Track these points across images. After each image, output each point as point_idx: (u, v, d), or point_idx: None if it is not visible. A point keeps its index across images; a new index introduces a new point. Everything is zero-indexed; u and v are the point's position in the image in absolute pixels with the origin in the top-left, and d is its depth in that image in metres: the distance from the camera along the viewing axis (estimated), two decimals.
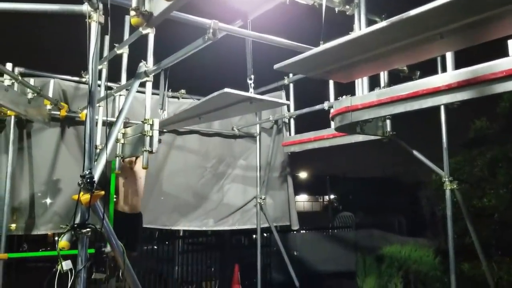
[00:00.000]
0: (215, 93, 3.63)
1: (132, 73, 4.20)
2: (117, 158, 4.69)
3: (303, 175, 35.33)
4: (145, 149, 4.02)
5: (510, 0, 2.01)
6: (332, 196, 34.61)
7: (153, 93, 4.54)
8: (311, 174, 36.11)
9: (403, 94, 3.31)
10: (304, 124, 6.29)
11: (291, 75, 6.04)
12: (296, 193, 7.39)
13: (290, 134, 6.34)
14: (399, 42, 2.54)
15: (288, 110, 6.30)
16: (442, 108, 4.71)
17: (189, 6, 3.08)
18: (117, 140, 4.66)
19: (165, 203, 6.38)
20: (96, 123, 4.78)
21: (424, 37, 2.45)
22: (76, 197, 2.52)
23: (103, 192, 2.57)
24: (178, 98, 6.36)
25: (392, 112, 3.41)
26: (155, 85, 5.28)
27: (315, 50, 2.70)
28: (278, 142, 6.71)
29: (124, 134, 4.68)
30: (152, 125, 4.05)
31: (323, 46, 2.65)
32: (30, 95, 4.70)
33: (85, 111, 5.36)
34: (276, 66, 2.95)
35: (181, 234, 9.12)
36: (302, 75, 5.87)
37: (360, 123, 3.93)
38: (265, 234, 9.81)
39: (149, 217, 6.29)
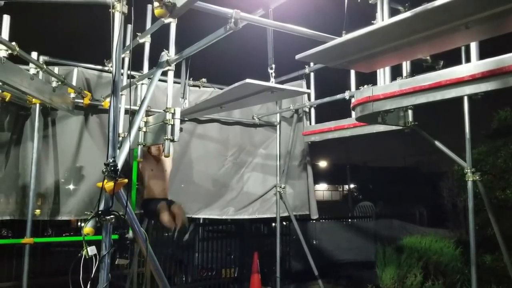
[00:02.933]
0: (237, 84, 3.63)
1: (154, 62, 4.25)
2: (139, 146, 4.77)
3: (323, 163, 35.17)
4: (166, 137, 4.07)
5: None
6: (352, 186, 34.41)
7: (174, 82, 4.59)
8: (331, 162, 35.90)
9: (426, 85, 3.27)
10: (325, 113, 6.26)
11: (311, 64, 6.00)
12: (316, 182, 7.38)
13: (310, 124, 6.33)
14: (424, 33, 2.50)
15: (309, 99, 6.28)
16: (466, 98, 4.63)
17: None
18: (139, 128, 4.74)
19: (186, 191, 6.45)
20: (119, 111, 4.86)
21: (449, 27, 2.40)
22: (100, 184, 2.58)
23: (126, 180, 2.62)
24: (199, 87, 6.40)
25: (414, 102, 3.37)
26: (177, 74, 5.32)
27: (338, 40, 2.68)
28: (298, 131, 6.70)
29: (146, 123, 4.75)
30: (173, 114, 4.10)
31: (345, 37, 2.64)
32: (54, 84, 4.78)
33: (108, 99, 5.49)
34: (298, 57, 2.94)
35: (201, 221, 9.22)
36: (323, 65, 5.84)
37: (381, 113, 3.90)
38: (284, 223, 9.85)
39: None
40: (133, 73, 5.39)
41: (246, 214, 6.91)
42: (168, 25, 4.11)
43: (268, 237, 10.20)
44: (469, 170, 4.50)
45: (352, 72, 5.34)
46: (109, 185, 2.54)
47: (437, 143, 4.70)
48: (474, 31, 2.46)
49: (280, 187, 6.75)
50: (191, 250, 9.39)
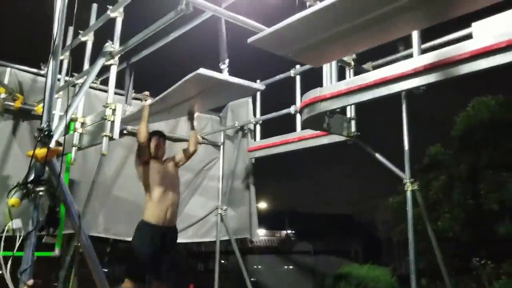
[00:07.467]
0: (189, 75, 3.52)
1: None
2: (74, 148, 4.46)
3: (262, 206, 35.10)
4: (105, 134, 3.82)
5: None
6: (289, 231, 34.43)
7: (116, 93, 4.36)
8: (270, 208, 35.96)
9: (371, 81, 3.34)
10: (270, 132, 6.24)
11: (258, 81, 6.03)
12: None
13: (255, 141, 6.27)
14: (368, 14, 2.55)
15: (254, 115, 6.26)
16: (404, 114, 4.79)
17: None
18: (75, 130, 4.46)
19: (121, 211, 6.09)
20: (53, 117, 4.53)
21: (390, 9, 2.47)
22: (31, 152, 2.34)
23: (60, 148, 2.40)
24: (141, 100, 6.18)
25: (360, 99, 3.42)
26: (119, 85, 5.11)
27: (290, 19, 2.69)
28: (243, 150, 6.62)
29: (82, 124, 4.48)
30: (114, 110, 3.88)
31: (298, 15, 2.65)
32: None
33: (41, 105, 5.15)
34: (250, 40, 2.92)
35: None
36: (270, 80, 5.89)
37: (327, 115, 3.94)
38: (222, 261, 9.50)
39: (103, 225, 6.00)
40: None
41: (185, 238, 6.60)
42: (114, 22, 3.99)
43: (204, 273, 9.84)
44: (408, 181, 4.61)
45: (298, 87, 5.42)
46: (41, 151, 2.30)
47: (377, 155, 4.80)
48: (417, 14, 2.57)
49: (222, 209, 6.55)
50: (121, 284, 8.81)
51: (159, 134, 4.80)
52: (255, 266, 11.48)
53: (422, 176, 9.13)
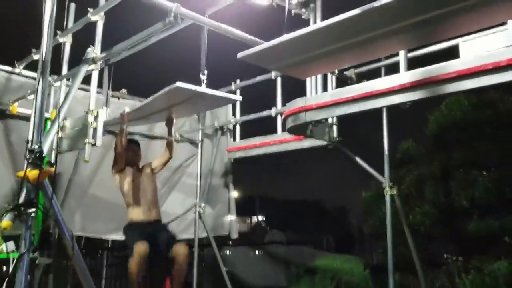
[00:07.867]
0: (167, 88, 3.51)
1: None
2: (53, 152, 4.37)
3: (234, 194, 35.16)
4: (88, 141, 3.78)
5: None
6: (260, 217, 34.75)
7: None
8: (240, 195, 36.12)
9: (357, 94, 3.40)
10: (249, 133, 6.24)
11: (237, 81, 6.02)
12: None
13: (234, 141, 6.27)
14: (354, 38, 2.59)
15: (234, 115, 6.25)
16: (384, 113, 4.89)
17: None
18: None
19: (98, 209, 6.01)
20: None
21: (380, 33, 2.51)
22: (21, 173, 2.29)
23: (53, 169, 2.36)
24: (118, 98, 6.08)
25: (346, 111, 3.47)
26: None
27: (279, 39, 2.69)
28: (221, 149, 6.61)
29: (62, 128, 4.39)
30: (96, 116, 3.83)
31: (286, 36, 2.66)
32: None
33: (16, 104, 5.01)
34: (239, 55, 2.91)
35: (109, 245, 8.64)
36: (248, 82, 5.89)
37: (312, 124, 3.98)
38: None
39: (80, 224, 5.90)
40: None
41: None
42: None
43: None
44: (387, 185, 4.73)
45: (279, 89, 5.43)
46: (33, 173, 2.25)
47: (357, 159, 4.89)
48: (404, 37, 2.63)
49: (200, 206, 6.55)
50: (97, 277, 8.75)
51: (134, 143, 4.93)
52: (227, 252, 11.54)
53: (395, 171, 9.33)
